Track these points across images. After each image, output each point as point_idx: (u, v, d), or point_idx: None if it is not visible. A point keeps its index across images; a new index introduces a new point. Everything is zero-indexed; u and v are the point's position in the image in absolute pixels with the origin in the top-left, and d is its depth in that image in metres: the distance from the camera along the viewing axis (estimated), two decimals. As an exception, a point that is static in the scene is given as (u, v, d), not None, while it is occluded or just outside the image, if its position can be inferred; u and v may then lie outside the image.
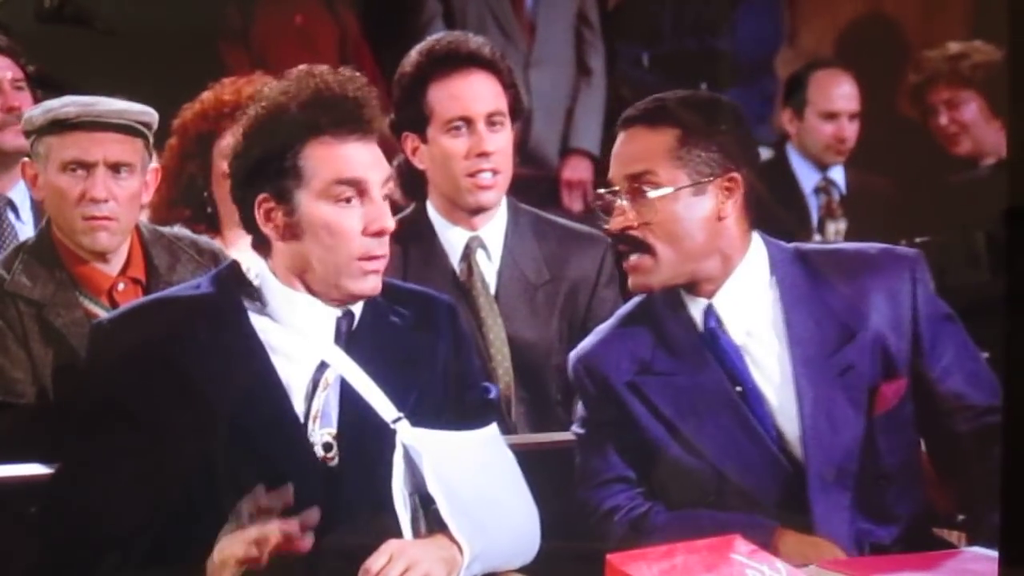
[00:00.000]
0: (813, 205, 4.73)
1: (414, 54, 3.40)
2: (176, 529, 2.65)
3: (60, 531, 2.70)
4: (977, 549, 2.79)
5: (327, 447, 2.70)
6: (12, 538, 2.86)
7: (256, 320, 2.73)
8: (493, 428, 2.82)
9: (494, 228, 3.47)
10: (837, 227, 4.71)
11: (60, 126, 3.25)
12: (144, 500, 2.66)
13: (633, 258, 2.90)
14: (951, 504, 2.98)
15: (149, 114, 3.32)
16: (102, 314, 3.25)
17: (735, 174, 2.91)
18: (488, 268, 3.46)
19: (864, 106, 4.69)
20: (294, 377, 2.71)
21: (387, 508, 2.66)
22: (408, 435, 2.68)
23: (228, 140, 2.77)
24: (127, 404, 2.67)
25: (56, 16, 3.81)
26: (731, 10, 4.91)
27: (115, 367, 2.72)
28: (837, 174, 4.76)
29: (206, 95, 3.74)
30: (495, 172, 3.39)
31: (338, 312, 2.74)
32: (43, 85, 3.76)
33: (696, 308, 2.94)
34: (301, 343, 2.72)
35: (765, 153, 4.66)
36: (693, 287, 2.93)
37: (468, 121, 3.38)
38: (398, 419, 2.70)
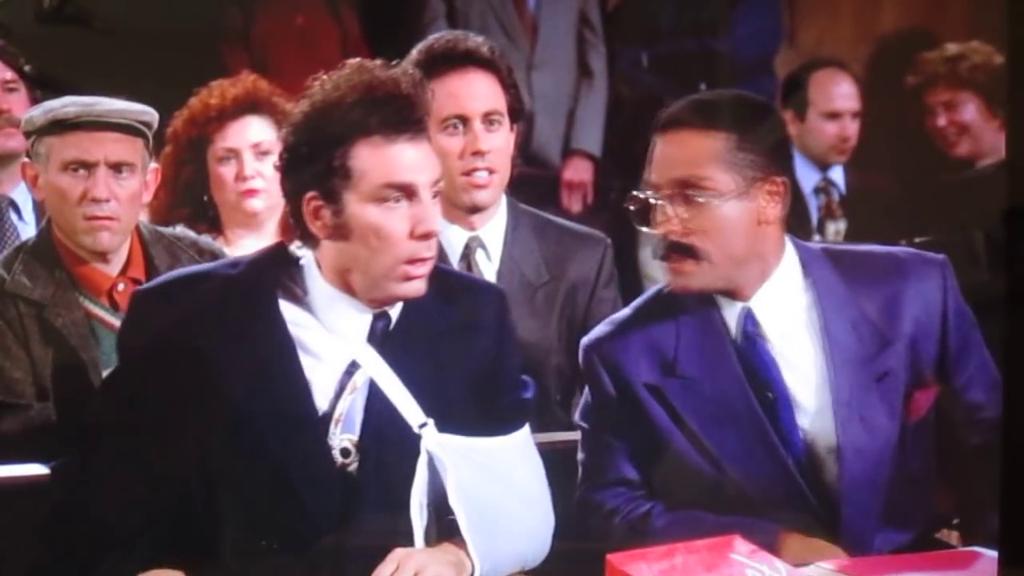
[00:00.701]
0: (813, 205, 4.73)
1: (414, 53, 3.37)
2: (177, 527, 2.63)
3: (63, 526, 2.67)
4: (977, 549, 2.77)
5: (345, 452, 2.65)
6: (11, 538, 2.80)
7: (288, 311, 2.66)
8: (524, 432, 2.77)
9: (494, 228, 3.45)
10: (837, 227, 4.72)
11: (61, 126, 3.23)
12: (150, 493, 2.63)
13: (677, 261, 2.84)
14: (951, 505, 2.96)
15: (149, 114, 3.30)
16: (102, 314, 3.26)
17: (780, 178, 2.85)
18: (488, 268, 3.43)
19: (864, 106, 4.70)
20: (320, 376, 2.66)
21: (400, 517, 2.63)
22: (433, 442, 2.63)
23: (280, 133, 2.71)
24: (153, 380, 2.63)
25: (56, 16, 3.81)
26: (730, 10, 4.92)
27: (149, 337, 2.67)
28: (837, 174, 4.78)
29: (193, 101, 3.76)
30: (491, 171, 3.37)
31: (375, 312, 2.68)
32: (43, 85, 3.76)
33: (732, 311, 2.88)
34: (333, 341, 2.66)
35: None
36: (731, 291, 2.87)
37: (464, 120, 3.35)
38: (424, 425, 2.65)
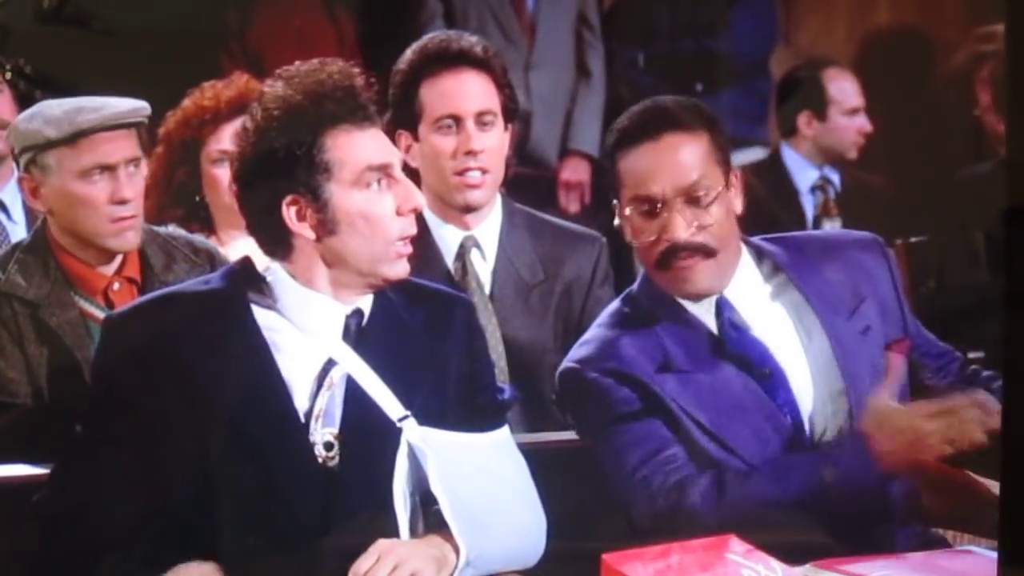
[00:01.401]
0: (809, 204, 4.72)
1: (408, 52, 3.38)
2: (173, 529, 2.62)
3: (58, 530, 2.66)
4: (977, 549, 2.77)
5: (328, 446, 2.65)
6: (7, 538, 2.78)
7: (262, 317, 2.68)
8: (505, 431, 2.77)
9: (489, 227, 3.44)
10: (833, 225, 4.72)
11: (77, 135, 3.19)
12: (145, 499, 2.63)
13: (687, 260, 2.86)
14: (951, 505, 2.92)
15: (146, 107, 3.28)
16: (98, 313, 3.23)
17: (737, 170, 2.91)
18: (483, 268, 3.43)
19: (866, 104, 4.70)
20: (298, 375, 2.67)
21: (386, 509, 2.63)
22: (414, 434, 2.64)
23: (231, 148, 2.71)
24: (135, 399, 2.63)
25: (55, 16, 3.79)
26: (726, 11, 4.91)
27: (125, 362, 2.67)
28: (834, 172, 4.75)
29: (187, 102, 3.75)
30: (484, 171, 3.36)
31: (347, 310, 2.69)
32: (42, 85, 3.72)
33: (703, 306, 2.90)
34: (307, 341, 2.67)
35: (761, 153, 4.70)
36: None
37: (457, 119, 3.35)
38: (404, 417, 2.65)
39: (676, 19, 4.87)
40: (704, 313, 2.90)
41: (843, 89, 4.74)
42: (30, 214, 3.58)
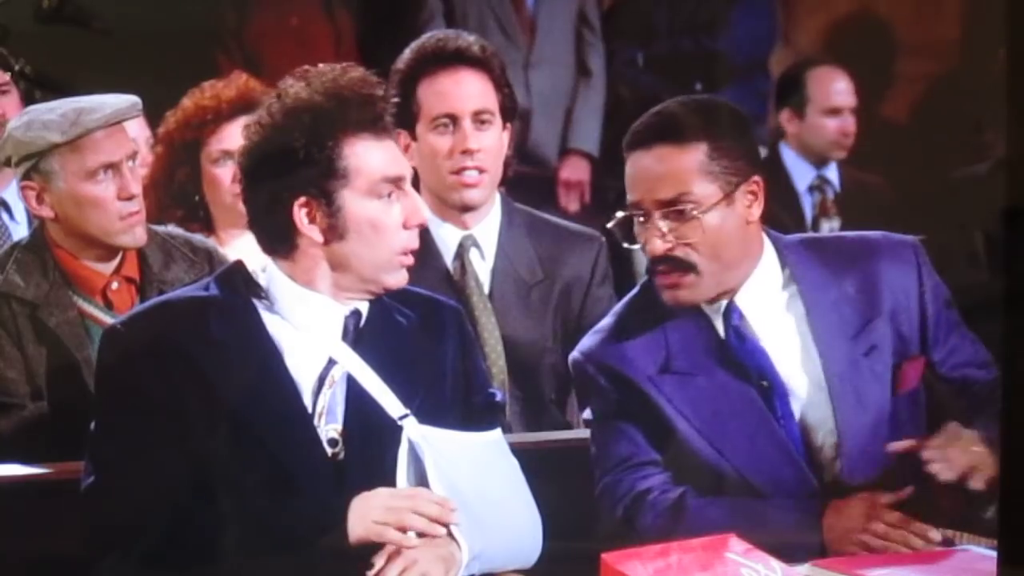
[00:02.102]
0: (807, 203, 4.73)
1: (406, 52, 3.36)
2: (184, 528, 2.60)
3: (66, 527, 2.66)
4: (977, 548, 2.75)
5: (332, 443, 2.65)
6: (7, 538, 2.79)
7: (267, 318, 2.67)
8: (497, 432, 2.77)
9: (487, 227, 3.42)
10: (831, 225, 4.74)
11: (82, 137, 3.16)
12: (158, 502, 2.61)
13: (674, 276, 2.81)
14: (950, 505, 2.90)
15: (139, 101, 3.26)
16: (96, 313, 3.22)
17: (756, 177, 2.84)
18: (482, 267, 3.41)
19: (860, 103, 4.68)
20: (302, 374, 2.66)
21: None
22: (414, 432, 2.64)
23: (232, 147, 2.69)
24: (142, 407, 2.61)
25: (55, 16, 3.78)
26: (726, 10, 4.91)
27: (130, 370, 2.65)
28: (832, 172, 4.76)
29: (186, 102, 3.73)
30: (481, 170, 3.35)
31: (346, 310, 2.69)
32: (41, 85, 3.71)
33: (715, 308, 2.86)
34: (309, 340, 2.67)
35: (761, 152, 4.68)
36: (722, 294, 2.86)
37: (453, 118, 3.33)
38: (404, 416, 2.65)
39: (676, 18, 4.88)
40: (714, 314, 2.86)
41: (824, 89, 4.73)
42: (32, 215, 3.54)
